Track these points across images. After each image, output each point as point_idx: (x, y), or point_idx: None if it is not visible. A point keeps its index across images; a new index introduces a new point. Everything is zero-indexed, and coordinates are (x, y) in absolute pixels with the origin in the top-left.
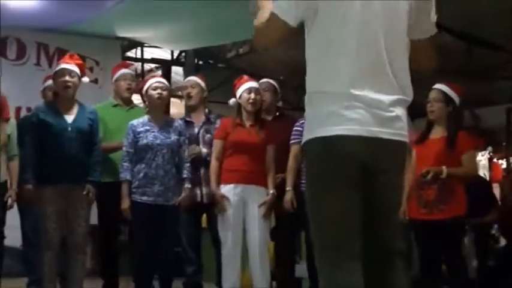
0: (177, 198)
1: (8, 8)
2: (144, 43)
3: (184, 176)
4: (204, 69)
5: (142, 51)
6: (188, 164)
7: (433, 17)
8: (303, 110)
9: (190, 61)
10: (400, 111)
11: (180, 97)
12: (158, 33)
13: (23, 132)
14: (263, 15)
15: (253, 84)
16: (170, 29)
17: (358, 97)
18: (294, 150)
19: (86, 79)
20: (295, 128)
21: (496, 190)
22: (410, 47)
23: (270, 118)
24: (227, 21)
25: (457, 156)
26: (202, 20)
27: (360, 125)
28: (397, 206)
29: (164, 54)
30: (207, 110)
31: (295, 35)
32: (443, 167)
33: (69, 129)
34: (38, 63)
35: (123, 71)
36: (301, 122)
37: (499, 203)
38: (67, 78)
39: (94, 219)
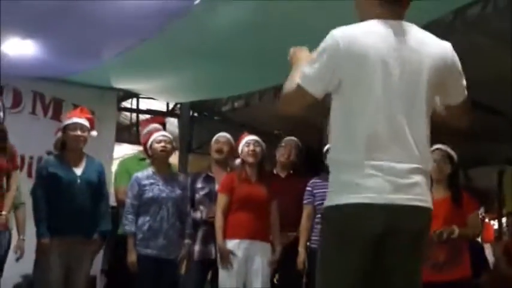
0: (179, 252)
1: (7, 56)
2: (139, 94)
3: (187, 231)
4: (199, 122)
5: (137, 102)
6: (190, 219)
7: (464, 83)
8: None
9: (185, 113)
10: (418, 178)
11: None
12: (154, 85)
13: (35, 185)
14: (291, 86)
15: (252, 137)
16: (166, 82)
17: (374, 166)
18: (306, 210)
19: (94, 133)
20: (307, 188)
21: (488, 250)
22: (444, 112)
23: (284, 175)
24: (223, 75)
25: (464, 216)
26: (198, 73)
27: (375, 193)
28: (416, 272)
29: (159, 105)
30: (229, 169)
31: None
32: (455, 227)
33: (79, 181)
34: (33, 112)
35: (152, 125)
36: (311, 182)
37: (491, 266)
38: (79, 132)
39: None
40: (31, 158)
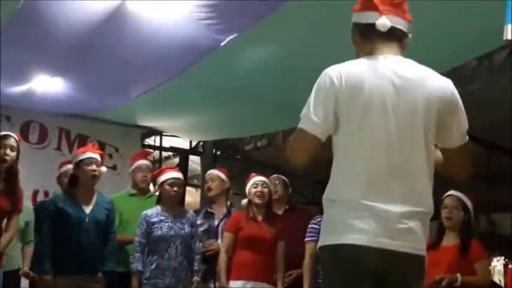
0: None
1: (35, 93)
2: (163, 132)
3: (195, 268)
4: (222, 160)
5: (161, 139)
6: (199, 257)
7: (464, 127)
8: (318, 204)
9: (208, 151)
10: (413, 224)
11: (195, 186)
12: (177, 123)
13: (40, 220)
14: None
15: (259, 178)
16: (190, 120)
17: (368, 207)
18: (309, 248)
19: (104, 169)
20: (310, 226)
21: None
22: (442, 155)
23: (281, 212)
24: (246, 115)
25: (470, 264)
26: (222, 112)
27: (367, 235)
28: None
29: (183, 143)
30: (229, 203)
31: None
32: (458, 275)
33: (87, 220)
34: (58, 148)
35: (140, 162)
36: (317, 219)
37: None
38: (94, 167)
39: None
40: (54, 193)
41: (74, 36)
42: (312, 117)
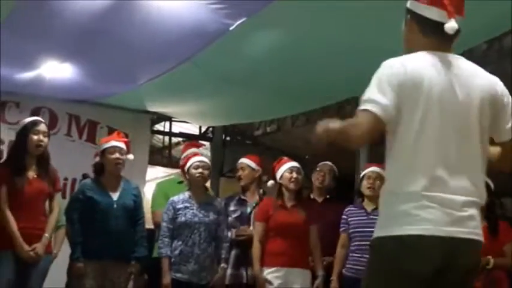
0: (212, 278)
1: (45, 79)
2: (172, 117)
3: (222, 255)
4: (231, 146)
5: (170, 125)
6: (227, 244)
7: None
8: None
9: (217, 137)
10: (473, 211)
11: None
12: (187, 108)
13: (70, 208)
14: (356, 120)
15: (294, 163)
16: (199, 106)
17: (432, 198)
18: (342, 238)
19: (130, 156)
20: (342, 216)
21: None
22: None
23: (320, 200)
24: (256, 100)
25: (499, 246)
26: (231, 98)
27: (434, 224)
28: None
29: (192, 128)
30: (261, 191)
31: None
32: (490, 257)
33: (115, 206)
34: (68, 134)
35: (192, 150)
36: (347, 209)
37: None
38: (117, 155)
39: None
40: (65, 179)
41: (82, 22)
42: (379, 100)
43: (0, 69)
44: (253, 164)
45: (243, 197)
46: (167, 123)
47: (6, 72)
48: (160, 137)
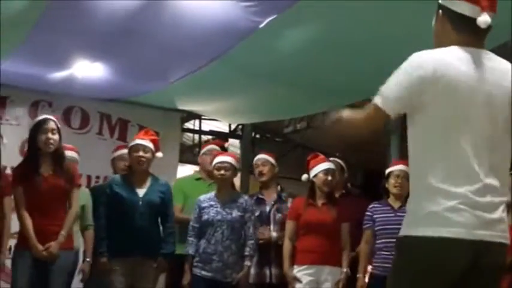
0: (236, 275)
1: (76, 79)
2: (202, 115)
3: (246, 253)
4: (261, 143)
5: (200, 123)
6: (252, 241)
7: None
8: (357, 187)
9: (247, 134)
10: (503, 214)
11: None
12: (217, 106)
13: (97, 203)
14: (364, 110)
15: (330, 165)
16: (229, 103)
17: (463, 199)
18: (366, 235)
19: (159, 154)
20: (367, 213)
21: None
22: None
23: (337, 195)
24: (286, 97)
25: None
26: (261, 95)
27: (464, 228)
28: None
29: (222, 126)
30: (279, 187)
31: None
32: None
33: (140, 203)
34: (100, 133)
35: (211, 146)
36: (371, 206)
37: None
38: (141, 153)
39: None
40: (97, 177)
41: (114, 21)
42: (393, 97)
43: (34, 69)
44: (272, 160)
45: (261, 196)
46: (197, 121)
47: (40, 71)
48: (190, 135)
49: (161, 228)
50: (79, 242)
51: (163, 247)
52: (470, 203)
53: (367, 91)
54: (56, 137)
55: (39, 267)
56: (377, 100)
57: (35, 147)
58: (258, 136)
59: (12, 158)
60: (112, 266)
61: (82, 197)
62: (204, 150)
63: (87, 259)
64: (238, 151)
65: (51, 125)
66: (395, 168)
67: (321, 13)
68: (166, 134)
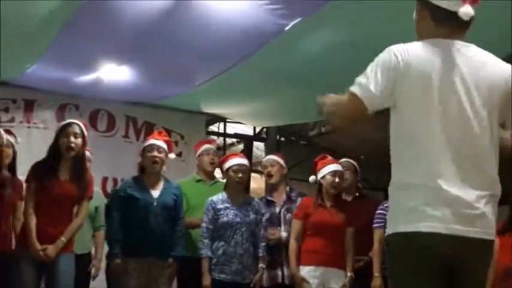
0: (253, 276)
1: (103, 82)
2: (227, 118)
3: (260, 254)
4: (285, 146)
5: (225, 126)
6: (264, 243)
7: None
8: (382, 189)
9: (271, 137)
10: (486, 208)
11: (260, 172)
12: (241, 109)
13: (110, 205)
14: (342, 98)
15: (338, 167)
16: (253, 106)
17: (441, 193)
18: (377, 234)
19: (172, 155)
20: (378, 212)
21: None
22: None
23: (349, 198)
24: (310, 100)
25: None
26: (286, 98)
27: (441, 222)
28: None
29: (246, 129)
30: (288, 188)
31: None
32: None
33: (155, 204)
34: (126, 136)
35: (206, 146)
36: (384, 205)
37: None
38: (155, 153)
39: None
40: (123, 180)
41: (139, 25)
42: (370, 87)
43: (61, 72)
44: (281, 161)
45: (270, 198)
46: (222, 124)
47: (66, 75)
48: (215, 137)
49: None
50: (90, 244)
51: (174, 249)
52: (448, 197)
53: None
54: (79, 141)
55: (39, 267)
56: (355, 89)
57: (56, 149)
58: (282, 139)
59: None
60: (127, 266)
61: (96, 198)
62: (200, 150)
63: (99, 256)
64: (263, 154)
65: (75, 129)
66: None
67: (346, 16)
68: (191, 136)
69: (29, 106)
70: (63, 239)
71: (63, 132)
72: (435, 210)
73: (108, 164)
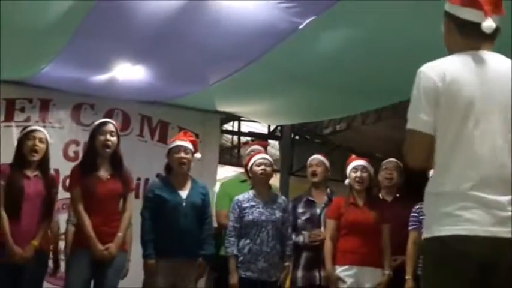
0: (280, 274)
1: (117, 81)
2: (241, 117)
3: (287, 253)
4: (300, 144)
5: (239, 124)
6: (291, 242)
7: None
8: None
9: (286, 135)
10: None
11: (274, 171)
12: (256, 108)
13: (143, 207)
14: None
15: (359, 162)
16: (268, 105)
17: (475, 198)
18: (412, 236)
19: (198, 155)
20: (412, 214)
21: None
22: None
23: (389, 199)
24: (325, 98)
25: None
26: (300, 96)
27: (477, 225)
28: None
29: (261, 128)
30: (329, 190)
31: None
32: None
33: (184, 204)
34: (141, 135)
35: (255, 147)
36: (417, 207)
37: None
38: (182, 154)
39: None
40: (138, 179)
41: (154, 24)
42: (421, 116)
43: (76, 72)
44: (327, 162)
45: (310, 198)
46: (236, 123)
47: (81, 74)
48: (229, 136)
49: None
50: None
51: (204, 248)
52: (482, 202)
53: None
54: (114, 139)
55: (95, 266)
56: (412, 126)
57: (93, 149)
58: (297, 137)
59: (56, 161)
60: (159, 267)
61: None
62: (248, 151)
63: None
64: (278, 153)
65: (110, 127)
66: None
67: (359, 15)
68: (205, 135)
69: (45, 106)
70: (120, 234)
71: (99, 130)
72: (471, 214)
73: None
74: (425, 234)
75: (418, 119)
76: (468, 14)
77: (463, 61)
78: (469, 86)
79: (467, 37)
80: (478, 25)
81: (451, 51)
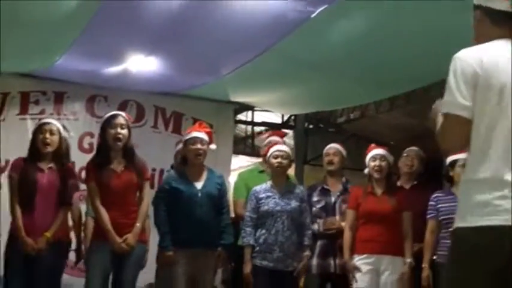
0: (297, 264)
1: (131, 73)
2: (254, 107)
3: (305, 243)
4: (314, 134)
5: (253, 114)
6: (310, 231)
7: None
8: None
9: (300, 125)
10: None
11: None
12: (269, 97)
13: (157, 199)
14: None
15: (378, 151)
16: (281, 94)
17: (511, 187)
18: (430, 225)
19: (213, 146)
20: (430, 203)
21: None
22: None
23: (407, 186)
24: (338, 87)
25: None
26: (313, 85)
27: None
28: None
29: (274, 117)
30: (344, 179)
31: None
32: None
33: (200, 195)
34: (155, 126)
35: (273, 138)
36: (435, 196)
37: None
38: (199, 146)
39: None
40: (153, 170)
41: (166, 15)
42: (459, 100)
43: (89, 64)
44: (344, 152)
45: (326, 187)
46: (249, 113)
47: (95, 66)
48: (243, 126)
49: None
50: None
51: (223, 238)
52: None
53: (422, 79)
54: (125, 131)
55: (115, 259)
56: (449, 110)
57: (105, 142)
58: (311, 126)
59: (72, 153)
60: (176, 258)
61: None
62: (266, 141)
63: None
64: (292, 142)
65: (120, 120)
66: (461, 156)
67: (371, 3)
68: (219, 126)
69: (59, 98)
70: (138, 224)
71: (109, 124)
72: (508, 204)
73: (138, 154)
74: (459, 223)
75: (456, 103)
76: (498, 4)
77: (498, 48)
78: (505, 73)
79: (498, 26)
80: (508, 14)
81: (480, 41)
